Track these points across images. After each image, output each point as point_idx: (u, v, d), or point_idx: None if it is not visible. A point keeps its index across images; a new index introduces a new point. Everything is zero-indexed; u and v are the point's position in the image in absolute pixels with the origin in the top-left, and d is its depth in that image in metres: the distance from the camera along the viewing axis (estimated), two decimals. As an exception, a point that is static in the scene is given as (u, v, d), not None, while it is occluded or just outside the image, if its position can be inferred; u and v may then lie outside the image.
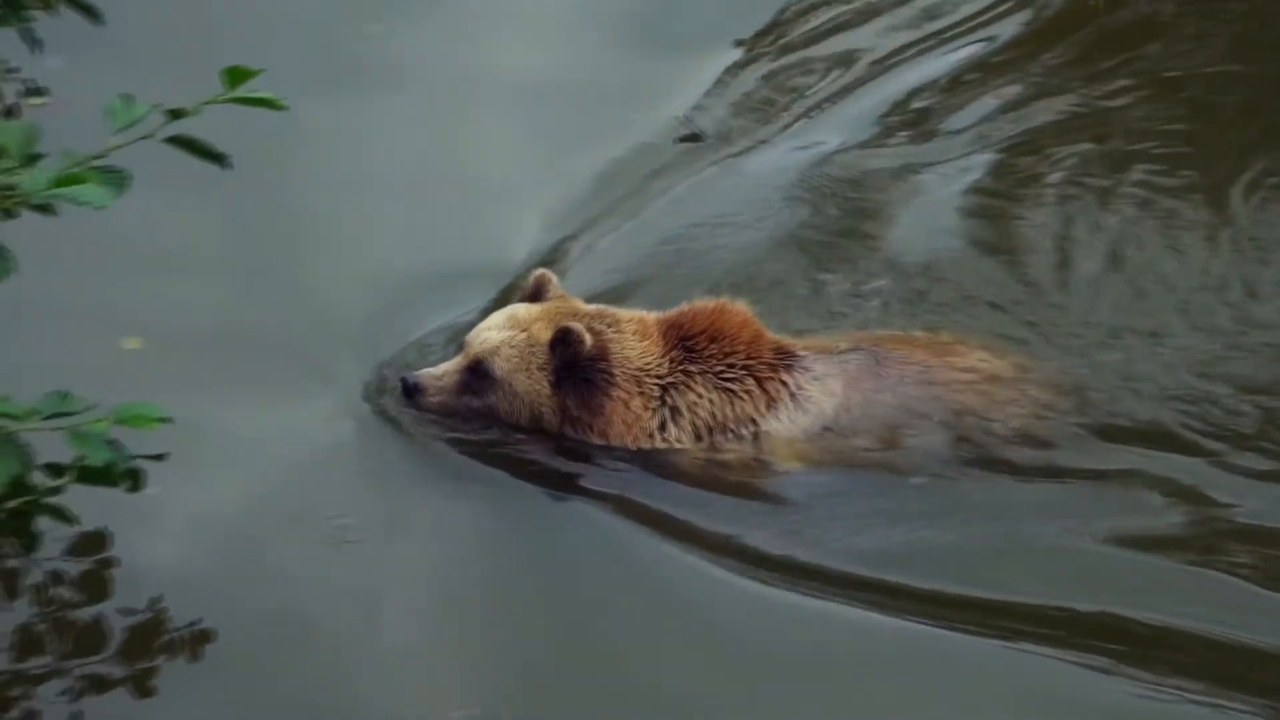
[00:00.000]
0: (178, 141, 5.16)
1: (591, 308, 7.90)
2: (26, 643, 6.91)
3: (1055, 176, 9.83)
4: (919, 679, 6.98)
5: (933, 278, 8.97)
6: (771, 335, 7.90)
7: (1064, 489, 7.81)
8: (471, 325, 8.16)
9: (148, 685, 6.81)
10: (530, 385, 7.74)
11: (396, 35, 10.43)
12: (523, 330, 7.74)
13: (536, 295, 7.93)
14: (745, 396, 7.77)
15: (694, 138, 10.04)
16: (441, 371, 7.84)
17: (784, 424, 7.77)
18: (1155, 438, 7.99)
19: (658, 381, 7.75)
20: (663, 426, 7.78)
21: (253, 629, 7.08)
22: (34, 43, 6.01)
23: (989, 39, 11.16)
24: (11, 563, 7.05)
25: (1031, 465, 7.88)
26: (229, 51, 8.04)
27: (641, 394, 7.77)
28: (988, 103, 10.57)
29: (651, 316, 7.88)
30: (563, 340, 7.66)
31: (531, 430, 7.85)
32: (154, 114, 5.12)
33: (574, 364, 7.71)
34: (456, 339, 8.25)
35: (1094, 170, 9.86)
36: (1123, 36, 11.05)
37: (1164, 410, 8.08)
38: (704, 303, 7.91)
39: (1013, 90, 10.74)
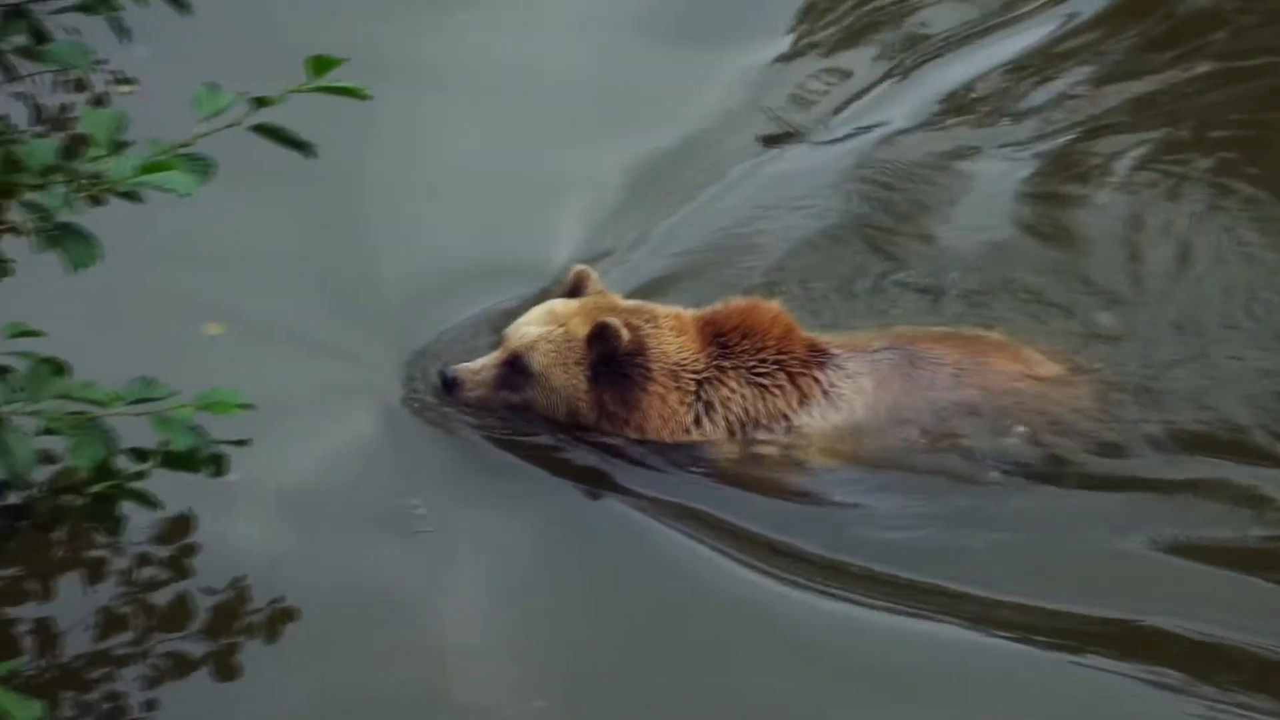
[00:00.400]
0: (263, 130, 5.22)
1: (629, 303, 7.94)
2: (110, 623, 7.01)
3: (1123, 166, 9.69)
4: (962, 686, 6.99)
5: (995, 271, 8.89)
6: (804, 332, 7.91)
7: (1100, 497, 7.73)
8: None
9: (229, 664, 6.89)
10: (567, 380, 7.77)
11: (475, 27, 10.48)
12: (560, 325, 7.79)
13: (575, 291, 7.97)
14: (777, 392, 7.80)
15: (781, 134, 10.03)
16: (479, 366, 7.88)
17: (816, 420, 7.79)
18: (1212, 443, 7.90)
19: (694, 376, 7.79)
20: (697, 421, 7.81)
21: (331, 613, 7.14)
22: (122, 32, 6.08)
23: (1060, 21, 11.00)
24: (97, 546, 7.17)
25: (1067, 472, 7.82)
26: (313, 41, 8.15)
27: (678, 388, 7.80)
28: (1055, 88, 10.43)
29: (688, 313, 7.92)
30: (600, 335, 7.69)
31: (568, 425, 7.87)
32: (239, 102, 5.16)
33: (611, 359, 7.74)
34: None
35: (1164, 160, 9.72)
36: (1193, 22, 10.94)
37: (1228, 413, 7.97)
38: (737, 300, 7.93)
39: (1082, 75, 10.64)
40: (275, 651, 6.99)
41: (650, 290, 8.69)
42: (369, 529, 7.58)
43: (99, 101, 9.17)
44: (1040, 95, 10.43)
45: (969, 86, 10.55)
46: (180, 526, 7.29)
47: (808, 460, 7.80)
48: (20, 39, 5.82)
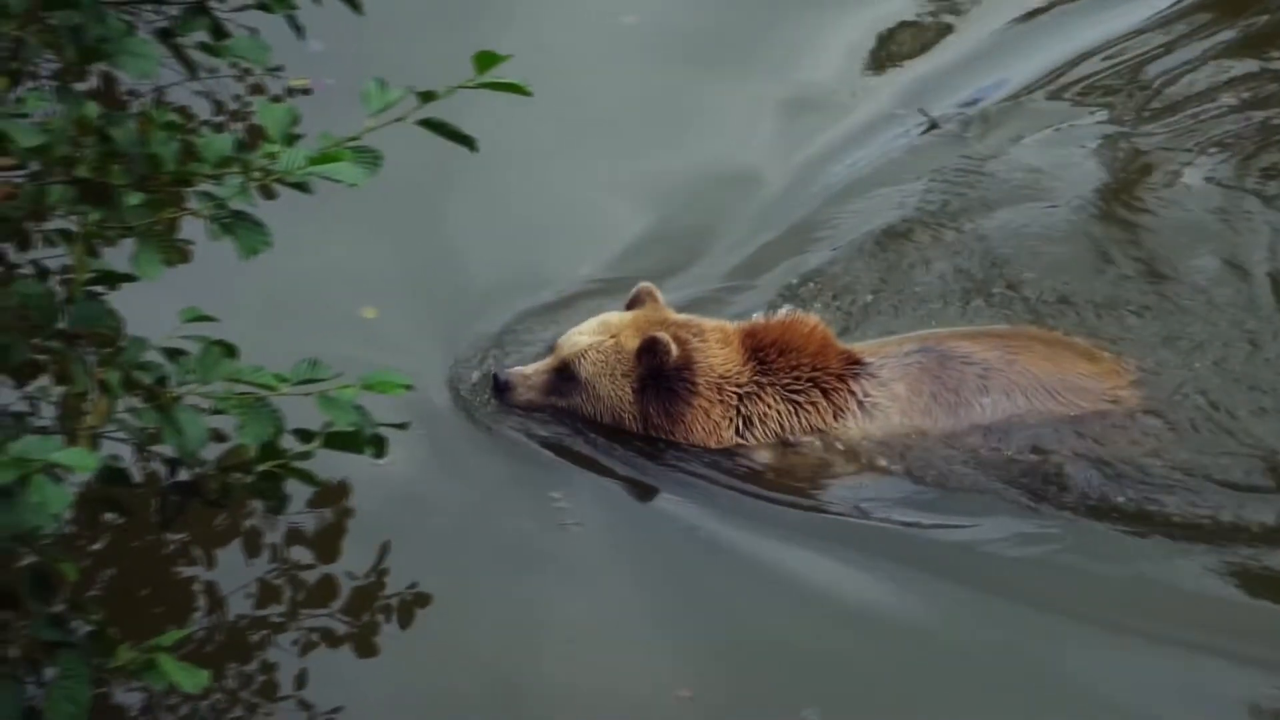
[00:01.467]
0: (428, 124, 5.34)
1: (679, 317, 8.06)
2: (264, 595, 7.24)
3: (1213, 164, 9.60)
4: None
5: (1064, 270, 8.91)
6: (840, 345, 8.01)
7: (1121, 513, 7.73)
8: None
9: (369, 642, 7.11)
10: (613, 390, 7.94)
11: (648, 26, 10.57)
12: (611, 336, 7.96)
13: (634, 305, 8.11)
14: (811, 408, 7.92)
15: (933, 126, 10.01)
16: (531, 370, 8.05)
17: (852, 431, 7.87)
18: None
19: (736, 390, 7.92)
20: (738, 434, 7.94)
21: (468, 597, 7.34)
22: (297, 29, 6.28)
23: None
24: (253, 518, 7.40)
25: (1097, 481, 7.81)
26: (481, 36, 8.31)
27: (721, 402, 7.93)
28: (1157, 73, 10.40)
29: (732, 326, 8.03)
30: (650, 349, 7.84)
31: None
32: (406, 97, 5.30)
33: (659, 373, 7.86)
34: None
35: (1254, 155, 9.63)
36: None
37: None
38: (777, 316, 8.04)
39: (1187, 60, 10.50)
40: (410, 634, 7.17)
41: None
42: (515, 518, 7.76)
43: (276, 98, 9.43)
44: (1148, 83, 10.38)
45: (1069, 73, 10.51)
46: (330, 502, 7.53)
47: (844, 471, 7.90)
48: (201, 36, 6.04)
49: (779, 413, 7.98)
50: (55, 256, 5.83)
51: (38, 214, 5.31)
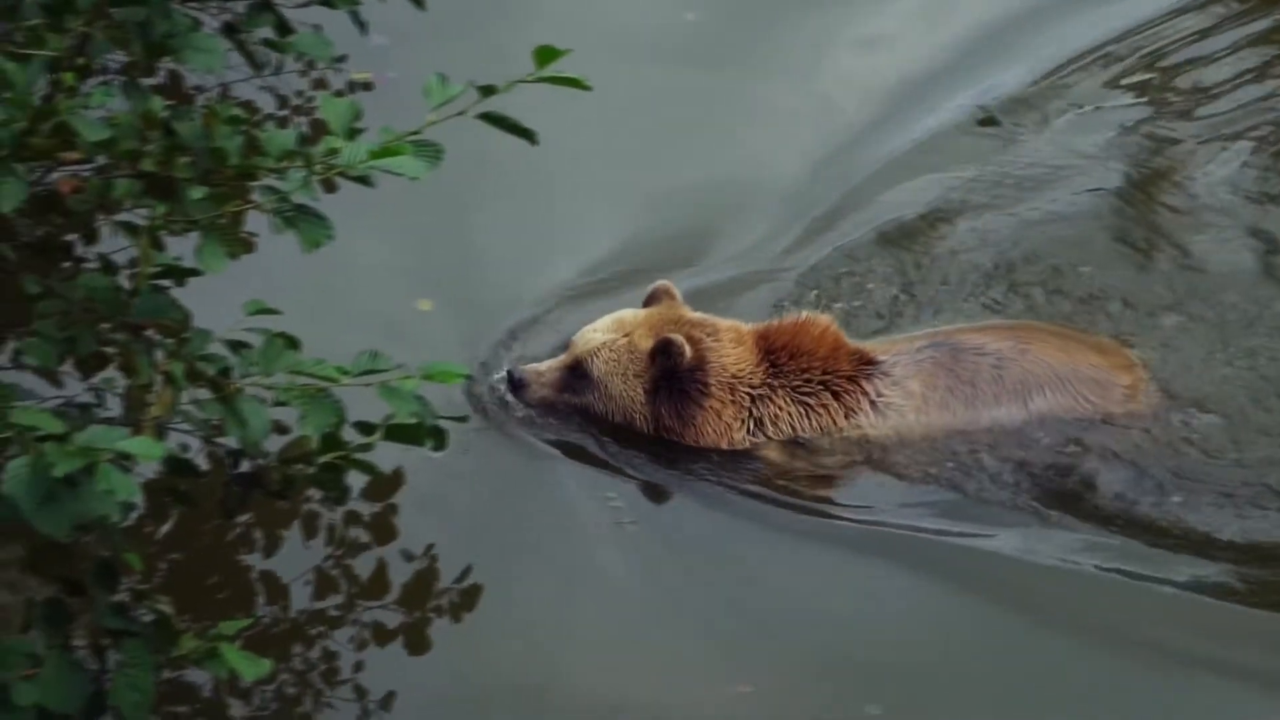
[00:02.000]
0: (488, 118, 5.38)
1: (695, 315, 8.02)
2: (324, 584, 7.32)
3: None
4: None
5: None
6: (851, 344, 7.98)
7: (1145, 515, 7.72)
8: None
9: (423, 634, 7.17)
10: (624, 389, 7.92)
11: (707, 24, 10.60)
12: (625, 335, 7.94)
13: (651, 303, 8.09)
14: (822, 410, 7.90)
15: (991, 122, 9.98)
16: (545, 367, 8.04)
17: (865, 428, 7.87)
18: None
19: (749, 391, 7.90)
20: (750, 434, 7.92)
21: (522, 593, 7.40)
22: (361, 25, 6.36)
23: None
24: (314, 507, 7.48)
25: (1109, 477, 7.81)
26: (541, 30, 8.33)
27: (734, 403, 7.92)
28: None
29: (746, 327, 7.99)
30: (664, 351, 7.82)
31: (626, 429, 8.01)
32: (467, 92, 5.35)
33: (672, 374, 7.84)
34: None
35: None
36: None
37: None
38: (789, 317, 8.02)
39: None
40: (463, 627, 7.22)
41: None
42: (570, 516, 7.82)
43: (340, 93, 9.52)
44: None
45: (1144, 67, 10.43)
46: (386, 493, 7.60)
47: (858, 470, 7.92)
48: (266, 31, 6.12)
49: (790, 415, 7.97)
50: (121, 250, 5.91)
51: (104, 207, 5.39)
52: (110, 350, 5.56)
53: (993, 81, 10.29)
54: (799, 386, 7.96)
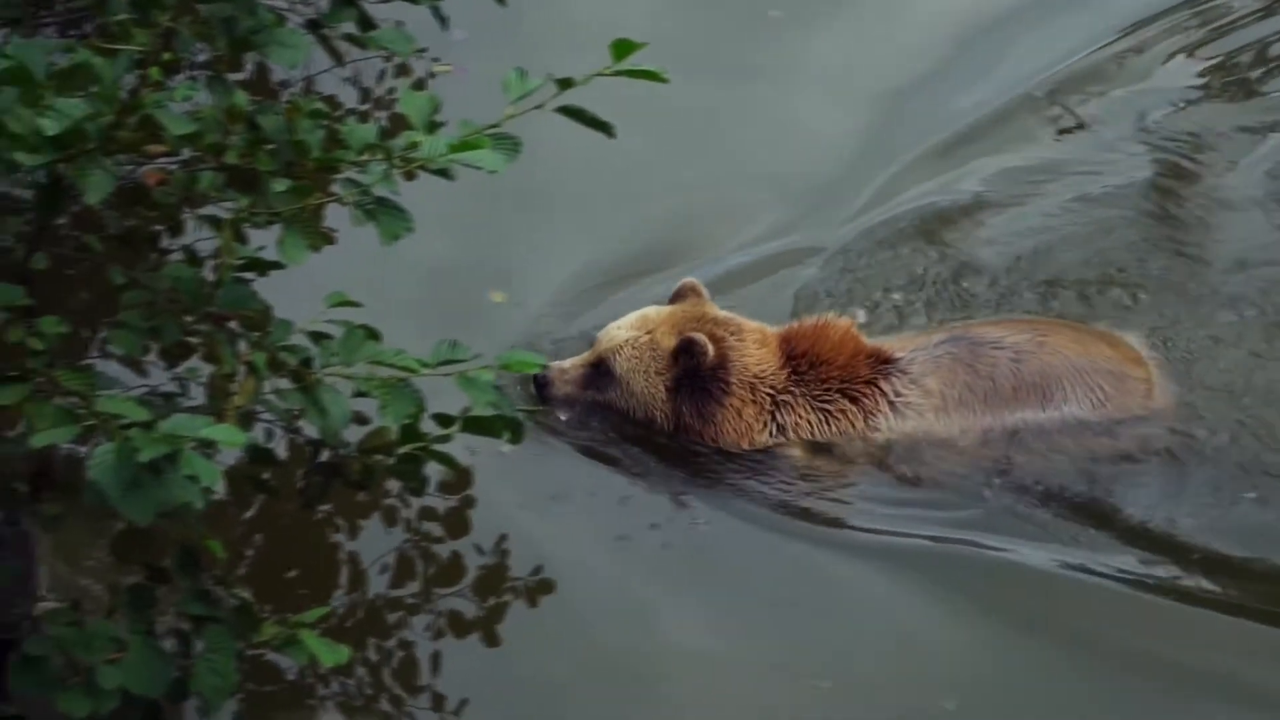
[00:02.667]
0: (566, 111, 5.42)
1: (720, 314, 8.00)
2: (400, 573, 7.39)
3: None
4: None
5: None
6: (869, 345, 7.97)
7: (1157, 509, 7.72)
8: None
9: (496, 627, 7.23)
10: (646, 387, 7.91)
11: (792, 23, 10.61)
12: (648, 333, 7.93)
13: (677, 300, 8.09)
14: (841, 415, 7.88)
15: (1076, 127, 9.93)
16: (569, 365, 8.02)
17: (884, 433, 7.86)
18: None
19: (770, 393, 7.89)
20: (771, 436, 7.92)
21: (605, 590, 7.47)
22: (441, 20, 6.42)
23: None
24: (392, 498, 7.55)
25: (1122, 471, 7.82)
26: (624, 23, 8.37)
27: (755, 403, 7.91)
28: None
29: (771, 329, 7.97)
30: (686, 350, 7.81)
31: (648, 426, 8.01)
32: (545, 85, 5.39)
33: (694, 372, 7.83)
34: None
35: None
36: None
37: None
38: (808, 321, 8.00)
39: None
40: (538, 620, 7.29)
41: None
42: (642, 516, 7.86)
43: (419, 85, 9.59)
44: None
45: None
46: (458, 487, 7.68)
47: (880, 470, 7.92)
48: (348, 26, 6.19)
49: (810, 422, 7.96)
50: (205, 241, 5.99)
51: (189, 200, 5.47)
52: (194, 340, 5.63)
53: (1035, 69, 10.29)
54: (819, 395, 7.97)
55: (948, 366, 7.94)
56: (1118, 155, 9.58)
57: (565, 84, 5.37)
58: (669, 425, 7.99)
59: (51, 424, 5.06)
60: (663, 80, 5.34)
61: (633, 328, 8.01)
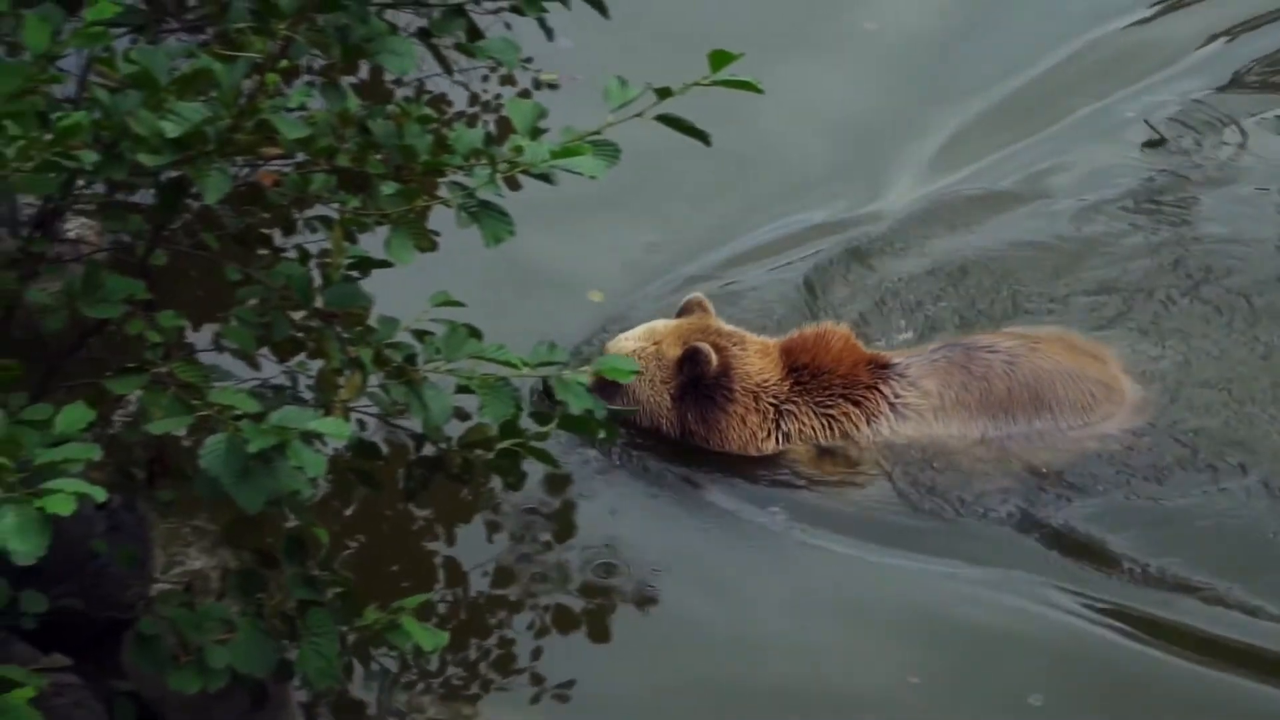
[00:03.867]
0: (665, 119, 5.48)
1: (725, 327, 8.06)
2: (501, 570, 7.50)
3: None
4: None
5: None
6: (867, 351, 8.04)
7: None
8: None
9: (602, 626, 7.33)
10: (652, 395, 7.97)
11: (888, 32, 10.66)
12: (654, 343, 7.98)
13: (684, 314, 8.14)
14: (843, 418, 7.93)
15: (1158, 142, 9.89)
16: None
17: (885, 433, 7.92)
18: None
19: (773, 403, 7.94)
20: (777, 443, 7.98)
21: (691, 590, 7.52)
22: (547, 31, 6.52)
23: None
24: (495, 493, 7.67)
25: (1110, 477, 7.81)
26: (724, 33, 8.43)
27: (758, 410, 7.97)
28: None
29: (773, 341, 8.04)
30: (690, 359, 7.86)
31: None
32: (645, 94, 5.45)
33: (697, 381, 7.88)
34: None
35: None
36: None
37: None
38: (809, 329, 8.05)
39: None
40: (641, 620, 7.37)
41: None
42: (736, 526, 7.92)
43: (526, 94, 9.70)
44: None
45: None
46: (559, 486, 7.78)
47: (881, 471, 7.96)
48: (457, 35, 6.30)
49: (814, 428, 8.05)
50: (316, 241, 6.11)
51: (301, 201, 5.57)
52: (303, 336, 5.71)
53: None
54: (821, 401, 8.06)
55: (944, 369, 8.05)
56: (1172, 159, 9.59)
57: (663, 93, 5.41)
58: (674, 432, 8.09)
59: (167, 414, 5.17)
60: (758, 91, 5.38)
61: (639, 339, 8.11)
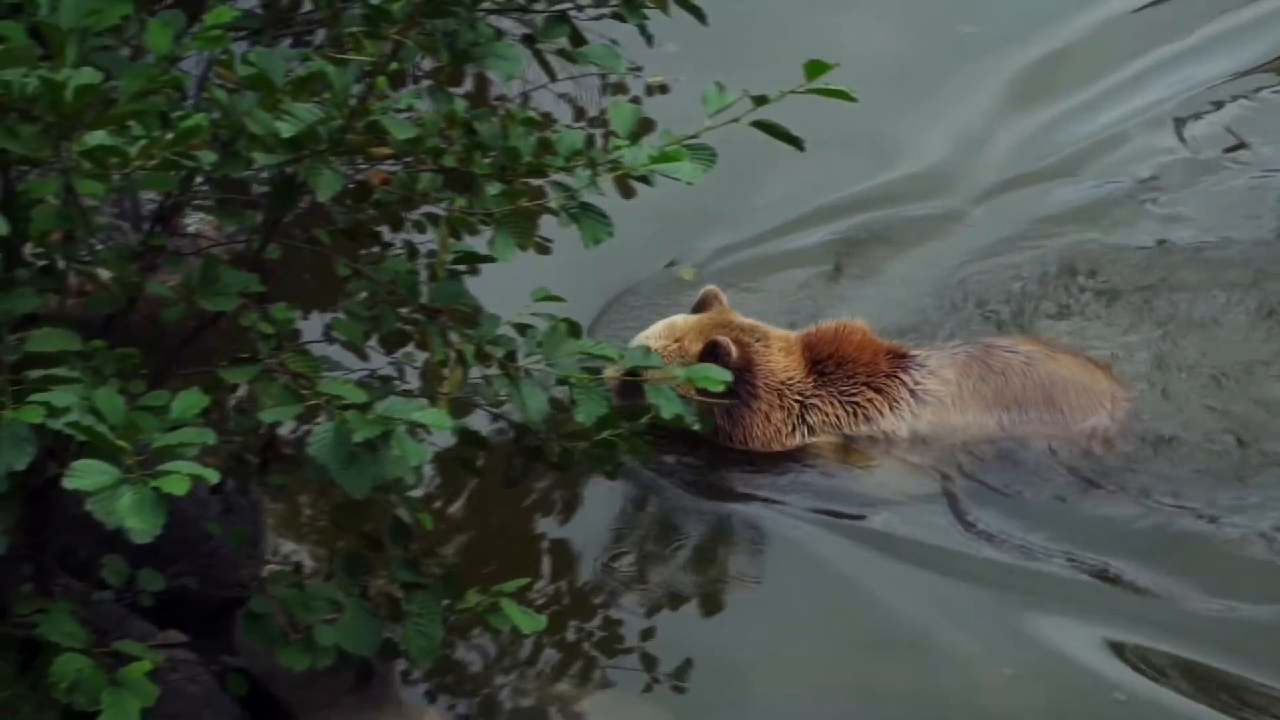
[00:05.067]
0: (760, 125, 5.50)
1: (745, 321, 7.98)
2: (608, 552, 7.57)
3: None
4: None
5: None
6: (886, 343, 8.00)
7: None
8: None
9: (717, 599, 7.37)
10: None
11: (987, 35, 10.60)
12: (676, 340, 7.90)
13: (701, 308, 8.06)
14: (868, 404, 7.89)
15: (1239, 147, 9.77)
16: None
17: (907, 419, 7.89)
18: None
19: (798, 398, 7.88)
20: (803, 437, 7.92)
21: (814, 592, 7.55)
22: (648, 37, 6.56)
23: None
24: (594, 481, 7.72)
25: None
26: (822, 39, 8.43)
27: (782, 407, 7.90)
28: None
29: (794, 334, 7.98)
30: (711, 352, 7.72)
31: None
32: (742, 100, 5.46)
33: None
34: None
35: None
36: None
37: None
38: (828, 324, 8.01)
39: None
40: (742, 604, 7.42)
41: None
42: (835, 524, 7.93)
43: (619, 89, 9.75)
44: None
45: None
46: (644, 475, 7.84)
47: (904, 455, 7.94)
48: (561, 42, 6.36)
49: (837, 416, 8.01)
50: (424, 241, 6.17)
51: (409, 199, 5.61)
52: (409, 329, 5.78)
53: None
54: (845, 389, 8.04)
55: (963, 361, 8.08)
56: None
57: (760, 100, 5.43)
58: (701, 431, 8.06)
59: (279, 402, 5.25)
60: (851, 99, 5.38)
61: (661, 336, 8.04)
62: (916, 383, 8.06)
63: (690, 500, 7.89)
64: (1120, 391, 8.17)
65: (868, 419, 8.03)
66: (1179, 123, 10.04)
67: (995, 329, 8.64)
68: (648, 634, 7.20)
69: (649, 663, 7.08)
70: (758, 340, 8.04)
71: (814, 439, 8.05)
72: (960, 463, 7.97)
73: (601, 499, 7.77)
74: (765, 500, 7.92)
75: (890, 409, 8.04)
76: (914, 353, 8.18)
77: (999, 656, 7.19)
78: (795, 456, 8.04)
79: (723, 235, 9.25)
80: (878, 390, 8.06)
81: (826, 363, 8.06)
